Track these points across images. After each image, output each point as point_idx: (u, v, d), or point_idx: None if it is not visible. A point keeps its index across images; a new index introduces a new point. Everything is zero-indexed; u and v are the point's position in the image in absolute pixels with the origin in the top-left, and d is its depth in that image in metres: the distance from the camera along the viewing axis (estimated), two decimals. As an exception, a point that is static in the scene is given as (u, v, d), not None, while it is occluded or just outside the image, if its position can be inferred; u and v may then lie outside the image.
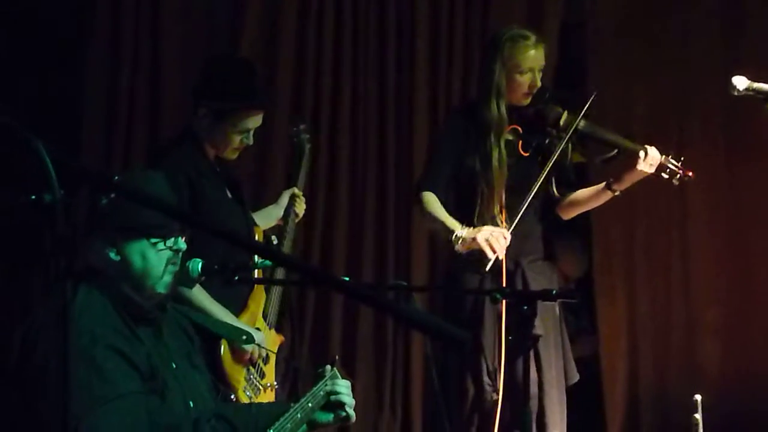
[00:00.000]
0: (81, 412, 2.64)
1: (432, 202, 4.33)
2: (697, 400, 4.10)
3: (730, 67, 4.55)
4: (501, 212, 4.29)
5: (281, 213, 4.36)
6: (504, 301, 4.06)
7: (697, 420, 4.10)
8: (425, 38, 5.84)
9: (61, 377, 1.70)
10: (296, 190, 4.42)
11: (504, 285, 4.17)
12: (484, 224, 4.24)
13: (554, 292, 4.10)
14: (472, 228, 4.20)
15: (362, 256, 5.74)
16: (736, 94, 3.87)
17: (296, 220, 4.40)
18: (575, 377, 4.47)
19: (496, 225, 4.25)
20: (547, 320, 4.30)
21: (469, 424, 4.30)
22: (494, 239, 4.10)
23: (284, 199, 4.39)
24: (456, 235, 4.19)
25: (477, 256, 4.17)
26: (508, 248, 4.20)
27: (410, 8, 5.83)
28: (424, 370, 5.65)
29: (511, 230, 4.17)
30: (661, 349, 5.89)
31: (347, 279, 3.94)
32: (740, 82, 3.87)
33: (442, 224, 4.28)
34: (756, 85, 3.85)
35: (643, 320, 5.89)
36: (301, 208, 4.41)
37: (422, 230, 5.77)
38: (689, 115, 5.88)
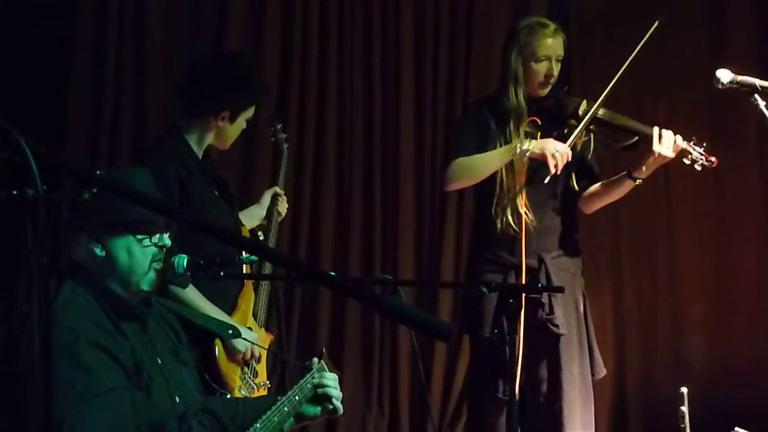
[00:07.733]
0: (65, 408, 2.63)
1: (468, 157, 4.22)
2: (683, 393, 4.11)
3: (714, 58, 4.54)
4: (523, 201, 4.19)
5: (264, 213, 4.35)
6: (523, 297, 3.96)
7: (683, 412, 4.11)
8: (411, 34, 5.85)
9: (44, 374, 1.69)
10: (278, 189, 4.41)
11: (526, 282, 4.10)
12: (501, 215, 4.19)
13: (540, 285, 4.13)
14: (535, 141, 4.12)
15: (349, 252, 5.74)
16: (720, 87, 3.86)
17: (279, 219, 4.39)
18: (602, 372, 4.38)
19: (518, 217, 4.17)
20: (570, 317, 4.24)
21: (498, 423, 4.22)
22: (560, 155, 4.05)
23: (266, 199, 4.38)
24: (521, 148, 4.09)
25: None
26: (530, 244, 4.16)
27: (395, 4, 5.84)
28: (411, 363, 5.66)
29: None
30: (647, 342, 5.91)
31: (333, 274, 3.93)
32: (724, 76, 3.86)
33: (495, 154, 4.19)
34: (740, 78, 3.84)
35: (629, 314, 5.91)
36: (283, 207, 4.40)
37: (408, 226, 5.78)
38: (675, 105, 5.90)
